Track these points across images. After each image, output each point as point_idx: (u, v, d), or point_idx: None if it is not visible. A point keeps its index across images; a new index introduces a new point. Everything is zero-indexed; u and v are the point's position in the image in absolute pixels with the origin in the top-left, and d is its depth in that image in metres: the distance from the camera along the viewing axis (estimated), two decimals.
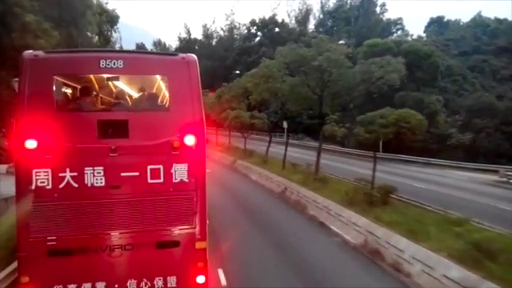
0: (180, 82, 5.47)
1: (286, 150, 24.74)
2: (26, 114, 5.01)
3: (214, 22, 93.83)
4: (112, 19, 34.51)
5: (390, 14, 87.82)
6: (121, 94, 7.02)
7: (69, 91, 6.86)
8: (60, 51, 7.10)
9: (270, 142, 29.32)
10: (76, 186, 5.05)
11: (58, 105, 5.31)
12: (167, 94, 5.97)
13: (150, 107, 6.18)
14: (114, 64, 5.25)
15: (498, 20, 66.15)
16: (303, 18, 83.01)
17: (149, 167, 5.20)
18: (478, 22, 69.60)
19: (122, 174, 5.17)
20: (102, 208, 5.17)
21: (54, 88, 5.22)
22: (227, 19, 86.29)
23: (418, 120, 13.30)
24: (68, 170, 5.04)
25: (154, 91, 7.06)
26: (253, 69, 25.43)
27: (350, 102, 18.33)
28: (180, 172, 5.29)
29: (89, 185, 5.08)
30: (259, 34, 73.95)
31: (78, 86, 6.59)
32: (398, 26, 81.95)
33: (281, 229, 13.27)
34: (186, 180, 5.31)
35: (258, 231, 12.85)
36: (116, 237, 5.25)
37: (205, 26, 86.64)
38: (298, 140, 47.64)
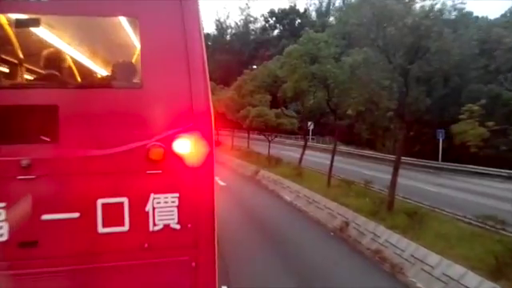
0: (164, 33, 3.09)
1: (332, 159, 17.89)
2: None
3: (228, 16, 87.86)
4: None
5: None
6: (52, 58, 3.52)
7: None
8: None
9: (304, 146, 22.58)
10: None
11: None
12: (139, 57, 3.19)
13: (102, 82, 3.94)
14: None
15: None
16: (325, 11, 76.77)
17: (100, 202, 2.93)
18: (510, 18, 63.08)
19: (44, 218, 2.84)
20: None
21: None
22: (242, 13, 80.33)
23: None
24: None
25: (114, 51, 4.32)
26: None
27: (459, 87, 11.43)
28: (164, 210, 3.03)
29: None
30: (278, 26, 67.58)
31: None
32: None
33: None
34: (176, 226, 3.06)
35: None
36: None
37: (218, 21, 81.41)
38: (324, 144, 40.86)
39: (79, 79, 4.09)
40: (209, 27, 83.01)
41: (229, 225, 12.28)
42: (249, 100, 27.82)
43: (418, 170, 26.12)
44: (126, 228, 3.06)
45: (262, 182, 21.97)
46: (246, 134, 36.02)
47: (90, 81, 4.09)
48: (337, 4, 78.53)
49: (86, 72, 4.31)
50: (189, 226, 3.18)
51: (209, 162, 3.19)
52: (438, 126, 28.46)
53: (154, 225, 3.11)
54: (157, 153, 3.08)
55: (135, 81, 3.44)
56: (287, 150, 32.73)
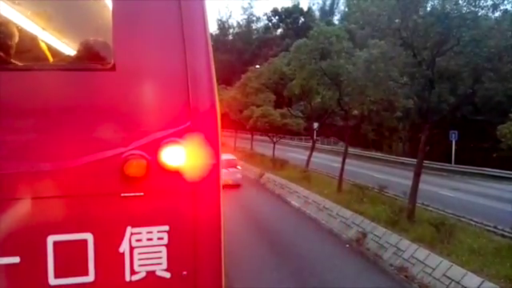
0: None
1: (343, 162, 16.74)
2: None
3: (230, 16, 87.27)
4: None
5: None
6: None
7: None
8: None
9: (312, 148, 21.44)
10: None
11: None
12: (111, 29, 2.22)
13: (58, 62, 2.97)
14: None
15: None
16: (329, 10, 75.84)
17: (51, 240, 2.07)
18: None
19: None
20: None
21: None
22: (245, 12, 79.55)
23: None
24: None
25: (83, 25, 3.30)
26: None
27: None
28: (147, 251, 2.17)
29: None
30: (281, 25, 66.58)
31: None
32: None
33: None
34: (165, 274, 2.19)
35: None
36: None
37: (220, 20, 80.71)
38: (329, 145, 39.76)
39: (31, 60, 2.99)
40: (211, 27, 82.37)
41: (232, 234, 11.21)
42: (253, 99, 26.78)
43: (430, 173, 24.85)
44: (90, 278, 2.16)
45: (266, 185, 20.87)
46: (249, 135, 34.97)
47: (37, 61, 2.96)
48: (340, 3, 78.20)
49: (44, 51, 3.17)
50: (184, 273, 2.28)
51: (213, 180, 2.26)
52: (449, 127, 27.34)
53: (133, 273, 2.20)
54: (136, 166, 2.18)
55: (105, 60, 2.50)
56: (292, 152, 31.63)
